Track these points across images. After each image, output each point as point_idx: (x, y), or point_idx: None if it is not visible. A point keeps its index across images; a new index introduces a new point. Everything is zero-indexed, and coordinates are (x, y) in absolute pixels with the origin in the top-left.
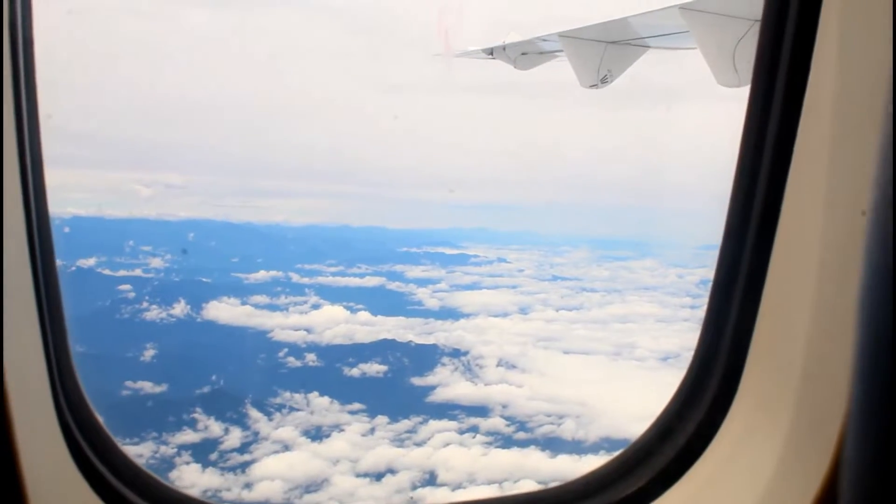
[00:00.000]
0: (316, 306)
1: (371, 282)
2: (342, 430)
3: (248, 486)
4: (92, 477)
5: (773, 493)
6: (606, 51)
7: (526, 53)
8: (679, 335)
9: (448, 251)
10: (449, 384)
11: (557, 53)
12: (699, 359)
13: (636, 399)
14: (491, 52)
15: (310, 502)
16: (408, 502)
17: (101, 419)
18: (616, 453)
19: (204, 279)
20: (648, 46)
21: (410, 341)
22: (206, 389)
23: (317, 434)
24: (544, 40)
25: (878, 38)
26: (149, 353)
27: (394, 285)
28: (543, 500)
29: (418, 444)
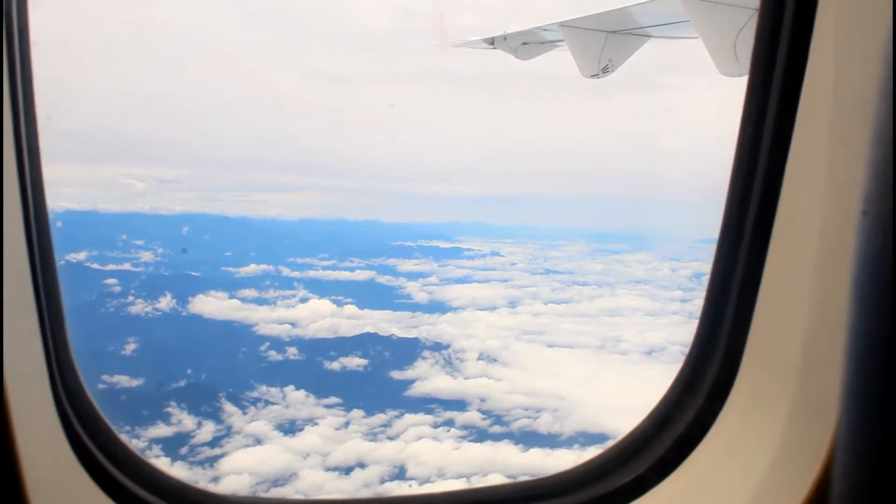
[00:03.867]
0: (304, 300)
1: (362, 275)
2: (316, 424)
3: (215, 479)
4: (92, 467)
5: (771, 480)
6: (607, 40)
7: (527, 43)
8: (666, 329)
9: (442, 245)
10: (428, 378)
11: (558, 43)
12: (697, 347)
13: (615, 393)
14: (492, 41)
15: (276, 496)
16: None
17: (100, 410)
18: (609, 443)
19: (193, 273)
20: (650, 36)
21: (392, 335)
22: (182, 383)
23: (290, 428)
24: (545, 30)
25: (875, 28)
26: (129, 348)
27: (384, 279)
28: (541, 488)
29: (391, 438)
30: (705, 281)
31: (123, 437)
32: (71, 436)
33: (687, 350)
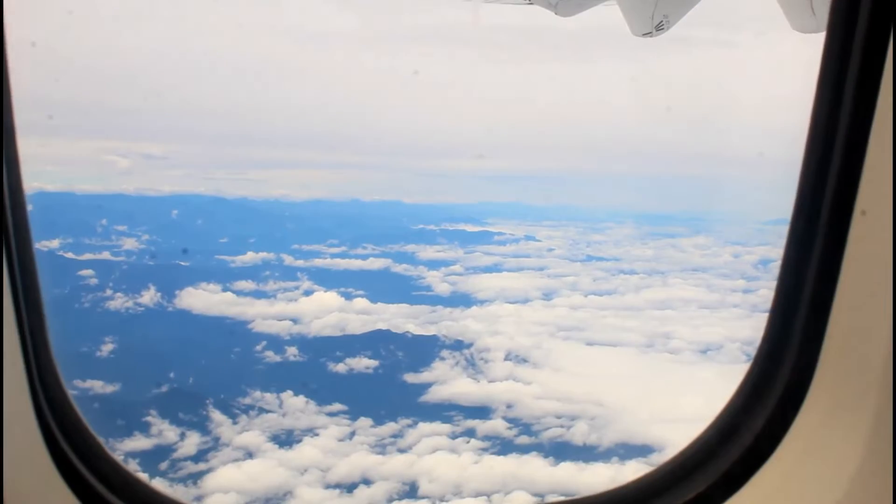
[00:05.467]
0: (308, 292)
1: (375, 264)
2: (316, 435)
3: (198, 499)
4: (76, 483)
5: (852, 499)
6: None
7: None
8: (725, 324)
9: (470, 228)
10: (447, 381)
11: None
12: (767, 348)
13: (664, 398)
14: None
15: None
16: None
17: (86, 421)
18: (665, 456)
19: (182, 262)
20: None
21: (407, 332)
22: (164, 389)
23: (286, 439)
24: None
25: None
26: (105, 349)
27: (401, 268)
28: None
29: (402, 451)
30: (775, 269)
31: (112, 452)
32: (54, 449)
33: (753, 349)
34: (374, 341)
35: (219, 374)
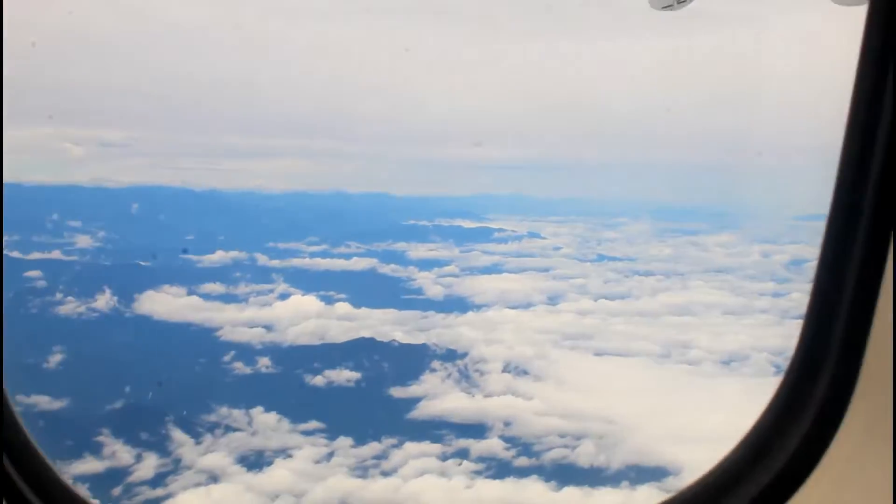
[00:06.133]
0: (283, 296)
1: (360, 264)
2: (289, 457)
3: None
4: None
5: None
6: None
7: None
8: (751, 332)
9: (467, 224)
10: (438, 396)
11: None
12: (802, 358)
13: (681, 415)
14: None
15: None
16: None
17: (34, 440)
18: (688, 479)
19: (142, 262)
20: None
21: (394, 340)
22: (119, 405)
23: (256, 461)
24: None
25: None
26: (53, 360)
27: (388, 268)
28: None
29: (386, 474)
30: (810, 270)
31: (64, 475)
32: None
33: (785, 360)
34: (357, 351)
35: (181, 387)
